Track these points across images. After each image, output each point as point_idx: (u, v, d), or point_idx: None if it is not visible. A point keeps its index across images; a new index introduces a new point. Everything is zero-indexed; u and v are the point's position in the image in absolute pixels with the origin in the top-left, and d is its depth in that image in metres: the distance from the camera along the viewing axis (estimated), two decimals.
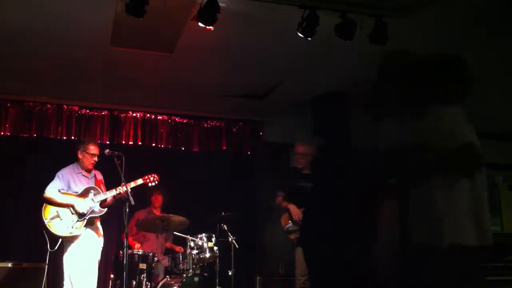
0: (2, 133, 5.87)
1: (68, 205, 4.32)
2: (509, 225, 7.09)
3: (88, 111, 6.21)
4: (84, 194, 4.41)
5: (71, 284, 4.23)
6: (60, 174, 4.46)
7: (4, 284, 4.99)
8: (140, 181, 4.64)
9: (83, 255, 4.31)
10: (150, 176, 4.72)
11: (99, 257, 4.49)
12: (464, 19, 4.08)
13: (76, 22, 4.18)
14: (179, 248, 5.61)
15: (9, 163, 5.92)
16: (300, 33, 3.83)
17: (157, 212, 5.73)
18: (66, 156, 4.75)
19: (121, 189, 4.33)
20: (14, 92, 5.90)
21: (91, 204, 4.37)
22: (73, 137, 6.06)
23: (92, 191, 4.45)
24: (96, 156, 4.52)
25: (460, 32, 4.22)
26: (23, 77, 5.48)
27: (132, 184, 4.54)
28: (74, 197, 4.36)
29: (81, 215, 4.31)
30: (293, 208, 4.95)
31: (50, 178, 4.40)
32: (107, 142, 6.11)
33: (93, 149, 4.53)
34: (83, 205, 4.34)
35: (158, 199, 5.80)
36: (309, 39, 3.85)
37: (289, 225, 4.96)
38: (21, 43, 4.59)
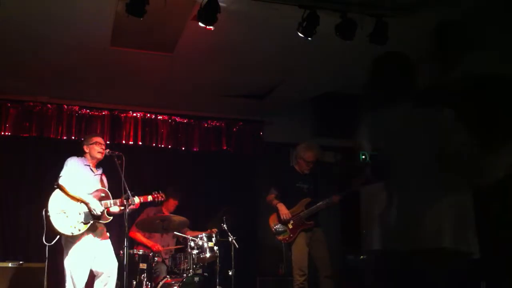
0: (2, 133, 5.87)
1: (81, 200, 4.22)
2: None
3: (88, 111, 6.21)
4: (94, 195, 4.34)
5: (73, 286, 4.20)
6: (69, 161, 4.38)
7: (4, 284, 4.99)
8: (150, 198, 4.66)
9: (85, 260, 4.24)
10: (158, 195, 4.73)
11: (112, 257, 4.43)
12: (464, 19, 4.07)
13: (76, 22, 4.18)
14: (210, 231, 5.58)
15: (9, 163, 5.93)
16: (300, 33, 3.83)
17: (166, 213, 5.70)
18: (67, 156, 4.74)
19: (133, 201, 4.33)
20: (14, 92, 5.91)
21: (102, 208, 4.30)
22: (73, 137, 6.07)
23: (101, 194, 4.38)
24: (103, 145, 4.47)
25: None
26: (23, 77, 5.49)
27: (142, 200, 4.56)
28: (89, 195, 4.27)
29: (94, 217, 4.22)
30: (281, 207, 4.95)
31: (51, 178, 4.37)
32: (107, 142, 6.09)
33: (96, 138, 4.52)
34: (98, 206, 4.25)
35: (175, 204, 5.77)
36: (309, 39, 3.86)
37: (277, 226, 4.97)
38: (21, 43, 4.60)
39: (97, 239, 4.36)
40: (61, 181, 4.23)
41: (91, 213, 4.23)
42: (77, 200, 4.23)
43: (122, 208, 4.34)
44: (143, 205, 4.59)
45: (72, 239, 4.22)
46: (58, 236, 4.17)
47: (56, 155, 5.78)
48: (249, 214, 6.41)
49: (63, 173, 4.27)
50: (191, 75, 5.43)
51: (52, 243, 4.16)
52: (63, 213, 4.17)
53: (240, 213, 5.58)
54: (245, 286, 5.87)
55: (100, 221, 4.35)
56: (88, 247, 4.27)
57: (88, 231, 4.26)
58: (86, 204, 4.23)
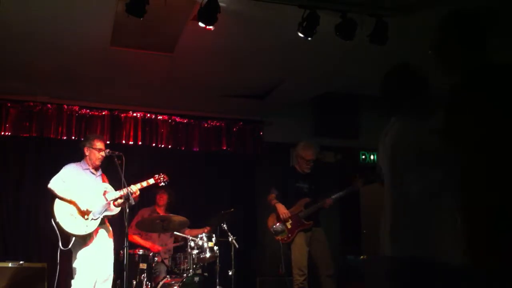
0: (2, 133, 5.87)
1: (69, 201, 4.23)
2: None
3: (88, 111, 6.21)
4: (94, 191, 4.36)
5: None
6: (66, 166, 4.41)
7: (4, 284, 4.99)
8: (151, 181, 4.65)
9: (94, 262, 4.27)
10: (160, 176, 4.74)
11: (111, 260, 4.46)
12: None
13: (76, 22, 4.18)
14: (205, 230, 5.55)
15: (9, 163, 5.93)
16: (300, 33, 3.83)
17: (161, 211, 5.71)
18: (67, 156, 4.75)
19: (133, 187, 4.35)
20: (14, 92, 5.90)
21: (102, 202, 4.31)
22: (73, 137, 6.06)
23: (104, 188, 4.41)
24: (103, 151, 4.47)
25: None
26: (24, 77, 5.48)
27: (144, 184, 4.56)
28: (79, 194, 4.28)
29: (89, 213, 4.23)
30: (280, 207, 4.95)
31: (50, 178, 4.37)
32: (107, 142, 6.07)
33: (99, 144, 4.51)
34: (86, 202, 4.25)
35: (163, 198, 5.77)
36: (309, 39, 3.86)
37: (275, 225, 4.96)
38: (21, 43, 4.59)
39: (105, 234, 4.40)
40: (49, 185, 4.27)
41: (79, 211, 4.24)
42: (66, 201, 4.24)
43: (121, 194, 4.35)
44: (139, 202, 4.55)
45: (84, 240, 4.24)
46: (73, 238, 4.19)
47: (56, 155, 5.82)
48: (249, 214, 6.41)
49: (53, 178, 4.31)
50: (191, 75, 5.43)
51: (69, 246, 4.19)
52: (71, 215, 4.20)
53: (240, 213, 5.58)
54: (245, 286, 5.87)
55: (109, 213, 4.37)
56: (95, 247, 4.30)
57: (99, 225, 4.30)
58: (73, 203, 4.24)
